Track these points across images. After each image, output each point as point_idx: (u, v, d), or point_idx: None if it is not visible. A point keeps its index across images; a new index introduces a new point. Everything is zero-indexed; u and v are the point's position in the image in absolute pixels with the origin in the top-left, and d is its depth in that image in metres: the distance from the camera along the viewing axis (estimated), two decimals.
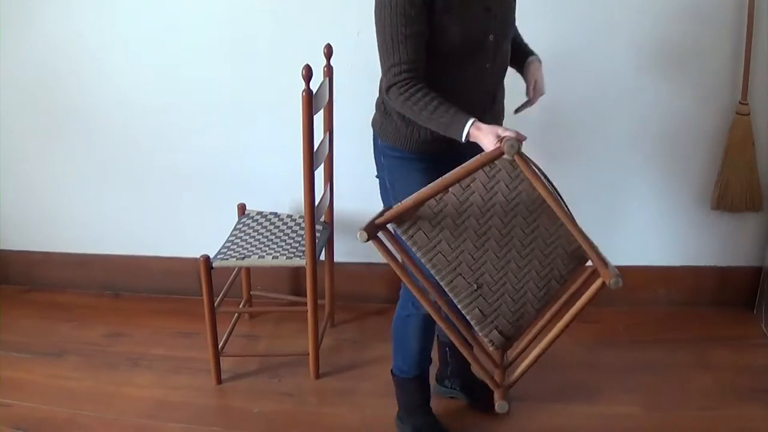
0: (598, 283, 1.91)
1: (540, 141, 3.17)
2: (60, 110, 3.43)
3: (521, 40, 2.53)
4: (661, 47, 3.06)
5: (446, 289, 2.06)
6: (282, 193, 3.29)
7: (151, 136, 3.40)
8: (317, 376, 3.03)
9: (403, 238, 2.02)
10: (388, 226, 2.02)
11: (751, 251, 3.33)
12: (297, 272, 3.46)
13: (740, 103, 3.07)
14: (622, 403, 2.83)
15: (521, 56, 2.46)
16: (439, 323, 2.11)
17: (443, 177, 1.97)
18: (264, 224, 3.12)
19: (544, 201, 1.97)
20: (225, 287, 3.13)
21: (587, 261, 2.03)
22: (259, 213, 3.21)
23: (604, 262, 1.90)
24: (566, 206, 2.08)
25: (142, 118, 3.38)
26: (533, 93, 2.43)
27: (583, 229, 2.00)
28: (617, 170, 3.24)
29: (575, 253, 2.03)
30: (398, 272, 2.06)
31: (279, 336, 3.34)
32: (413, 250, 2.03)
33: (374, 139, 2.45)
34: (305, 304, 2.94)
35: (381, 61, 2.19)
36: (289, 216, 3.17)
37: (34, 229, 3.69)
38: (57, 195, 3.59)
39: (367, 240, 1.94)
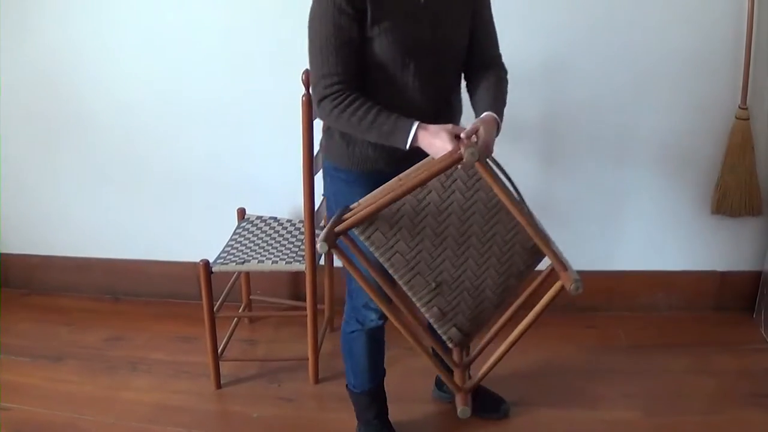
0: (557, 286, 1.88)
1: (539, 146, 3.21)
2: (60, 114, 3.43)
3: (497, 92, 2.25)
4: (660, 52, 3.06)
5: (405, 288, 2.05)
6: (282, 197, 3.28)
7: (150, 140, 3.40)
8: (317, 381, 3.03)
9: (361, 238, 2.01)
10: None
11: (751, 256, 3.33)
12: (296, 277, 3.46)
13: (740, 107, 3.07)
14: (622, 408, 2.83)
15: (481, 108, 2.17)
16: (397, 326, 2.08)
17: (403, 182, 1.94)
18: (264, 229, 3.12)
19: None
20: (225, 292, 3.12)
21: (545, 257, 2.01)
22: (259, 218, 3.20)
23: (564, 266, 1.88)
24: (525, 205, 2.09)
25: (142, 123, 3.38)
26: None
27: (545, 230, 2.03)
28: (616, 175, 3.24)
29: (534, 249, 2.02)
30: (357, 278, 2.04)
31: (278, 341, 3.33)
32: (371, 249, 2.02)
33: (323, 159, 2.39)
34: (305, 308, 2.94)
35: (311, 72, 2.12)
36: (288, 221, 3.17)
37: (33, 233, 3.69)
38: (56, 199, 3.59)
39: (328, 250, 1.92)
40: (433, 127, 1.97)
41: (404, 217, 1.99)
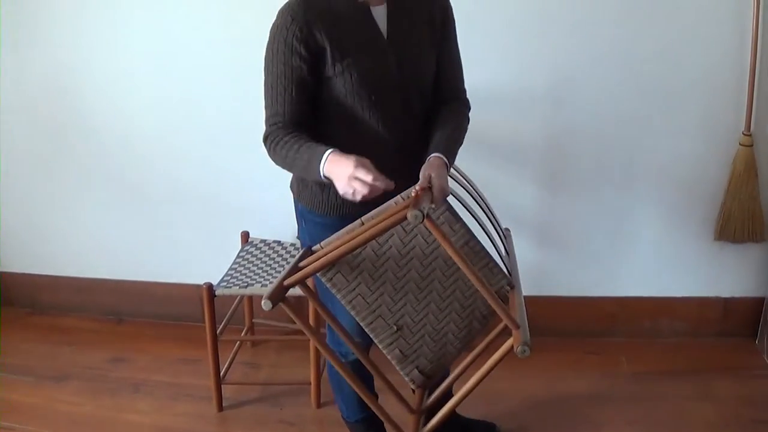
0: (507, 344, 1.84)
1: (543, 172, 3.21)
2: (66, 135, 3.45)
3: (453, 129, 2.16)
4: (663, 78, 3.07)
5: (367, 330, 2.05)
6: (285, 221, 3.23)
7: (155, 162, 3.42)
8: (319, 405, 3.03)
9: (323, 279, 2.00)
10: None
11: (754, 282, 3.32)
12: (299, 301, 3.43)
13: (743, 134, 3.08)
14: None
15: (432, 146, 2.08)
16: (340, 371, 2.08)
17: (363, 227, 1.90)
18: (267, 252, 3.13)
19: (465, 243, 1.96)
20: (227, 315, 3.13)
21: (509, 301, 2.00)
22: (263, 241, 3.21)
23: (516, 324, 1.84)
24: (499, 231, 2.06)
25: (147, 144, 3.40)
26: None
27: (513, 276, 2.04)
28: (620, 201, 3.24)
29: (498, 294, 2.00)
30: (310, 336, 2.07)
31: (281, 364, 3.33)
32: (333, 292, 2.01)
33: (294, 201, 2.35)
34: None
35: (264, 109, 2.10)
36: (292, 244, 3.17)
37: (37, 253, 3.70)
38: (61, 219, 3.60)
39: (272, 308, 1.90)
40: (345, 161, 1.84)
41: (366, 261, 1.98)
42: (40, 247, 3.69)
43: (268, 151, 2.07)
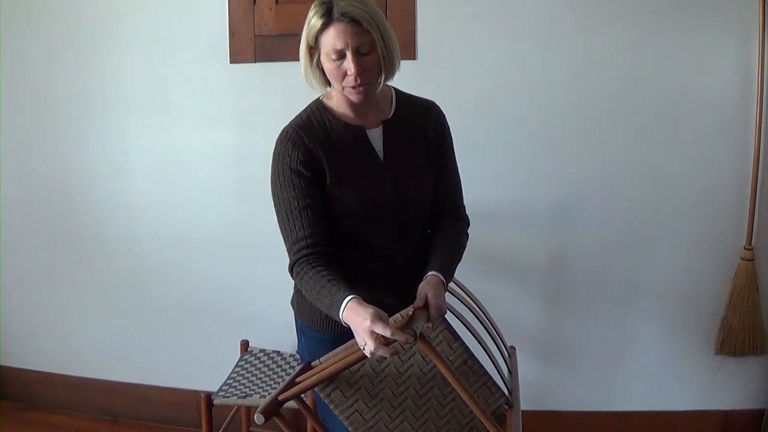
0: None
1: (545, 288, 3.20)
2: (68, 235, 3.49)
3: (449, 246, 2.15)
4: (664, 193, 3.09)
5: None
6: (285, 331, 3.23)
7: (156, 266, 3.43)
8: None
9: (320, 395, 2.01)
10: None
11: (755, 394, 3.29)
12: (299, 412, 3.41)
13: (745, 248, 3.09)
14: None
15: (430, 264, 2.06)
16: None
17: (351, 352, 1.88)
18: (266, 362, 3.11)
19: (464, 362, 1.96)
20: (224, 424, 3.10)
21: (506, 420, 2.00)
22: (262, 350, 3.20)
23: None
24: (503, 349, 2.05)
25: (149, 248, 3.42)
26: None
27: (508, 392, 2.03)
28: (621, 315, 3.22)
29: (495, 414, 2.00)
30: None
31: None
32: (330, 407, 2.01)
33: (294, 317, 2.32)
34: None
35: (284, 240, 2.06)
36: (291, 355, 3.16)
37: (35, 349, 3.69)
38: (60, 317, 3.61)
39: (265, 422, 1.89)
40: (363, 310, 1.79)
41: (364, 378, 1.98)
42: (38, 343, 3.68)
43: (295, 280, 2.05)
